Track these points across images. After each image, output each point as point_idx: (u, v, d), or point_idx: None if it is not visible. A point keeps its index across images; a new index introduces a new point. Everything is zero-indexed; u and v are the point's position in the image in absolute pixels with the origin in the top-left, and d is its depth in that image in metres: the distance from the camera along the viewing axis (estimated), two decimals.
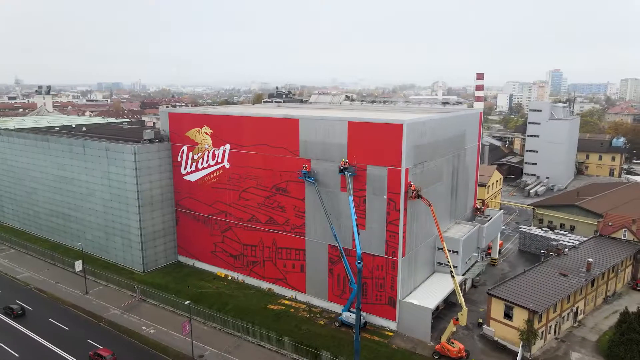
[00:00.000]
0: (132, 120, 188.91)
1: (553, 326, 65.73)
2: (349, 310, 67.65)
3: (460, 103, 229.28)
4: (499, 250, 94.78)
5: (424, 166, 68.96)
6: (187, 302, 64.24)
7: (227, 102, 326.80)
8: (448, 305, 72.79)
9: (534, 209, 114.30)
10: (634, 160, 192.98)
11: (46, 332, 68.12)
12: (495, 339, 65.00)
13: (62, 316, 72.75)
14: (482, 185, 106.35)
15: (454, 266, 66.99)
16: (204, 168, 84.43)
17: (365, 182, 66.28)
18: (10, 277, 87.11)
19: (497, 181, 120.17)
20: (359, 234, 63.48)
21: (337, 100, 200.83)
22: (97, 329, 69.29)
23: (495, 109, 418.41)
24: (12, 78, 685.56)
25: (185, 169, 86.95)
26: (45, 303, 77.38)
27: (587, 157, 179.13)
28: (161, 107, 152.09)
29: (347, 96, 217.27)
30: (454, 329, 61.39)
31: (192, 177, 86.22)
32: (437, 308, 69.49)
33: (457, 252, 72.83)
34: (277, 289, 78.70)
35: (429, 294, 68.96)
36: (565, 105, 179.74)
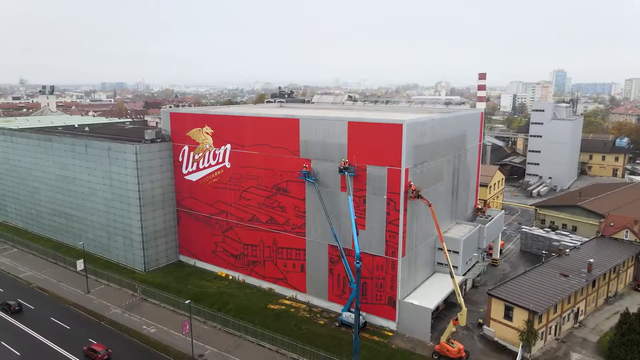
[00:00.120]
0: (135, 120, 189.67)
1: (553, 327, 65.56)
2: (349, 310, 67.68)
3: (463, 103, 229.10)
4: (500, 250, 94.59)
5: (424, 166, 68.92)
6: (187, 302, 64.42)
7: (230, 102, 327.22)
8: (448, 306, 72.73)
9: (536, 210, 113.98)
10: (637, 161, 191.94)
11: (47, 331, 68.51)
12: (495, 339, 64.92)
13: (63, 315, 73.14)
14: (484, 185, 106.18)
15: (454, 266, 67.08)
16: (205, 168, 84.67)
17: (365, 182, 66.31)
18: (13, 276, 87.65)
19: (499, 181, 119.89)
20: (358, 234, 63.54)
21: (340, 100, 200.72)
22: (98, 328, 69.63)
23: (499, 109, 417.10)
24: (17, 78, 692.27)
25: (186, 168, 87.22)
26: (47, 302, 77.80)
27: (590, 157, 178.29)
28: (164, 107, 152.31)
29: (350, 96, 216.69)
30: (454, 329, 61.38)
31: (193, 177, 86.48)
32: (437, 308, 69.45)
33: (457, 253, 72.86)
34: (278, 288, 78.85)
35: (429, 294, 68.92)
36: (568, 105, 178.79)
